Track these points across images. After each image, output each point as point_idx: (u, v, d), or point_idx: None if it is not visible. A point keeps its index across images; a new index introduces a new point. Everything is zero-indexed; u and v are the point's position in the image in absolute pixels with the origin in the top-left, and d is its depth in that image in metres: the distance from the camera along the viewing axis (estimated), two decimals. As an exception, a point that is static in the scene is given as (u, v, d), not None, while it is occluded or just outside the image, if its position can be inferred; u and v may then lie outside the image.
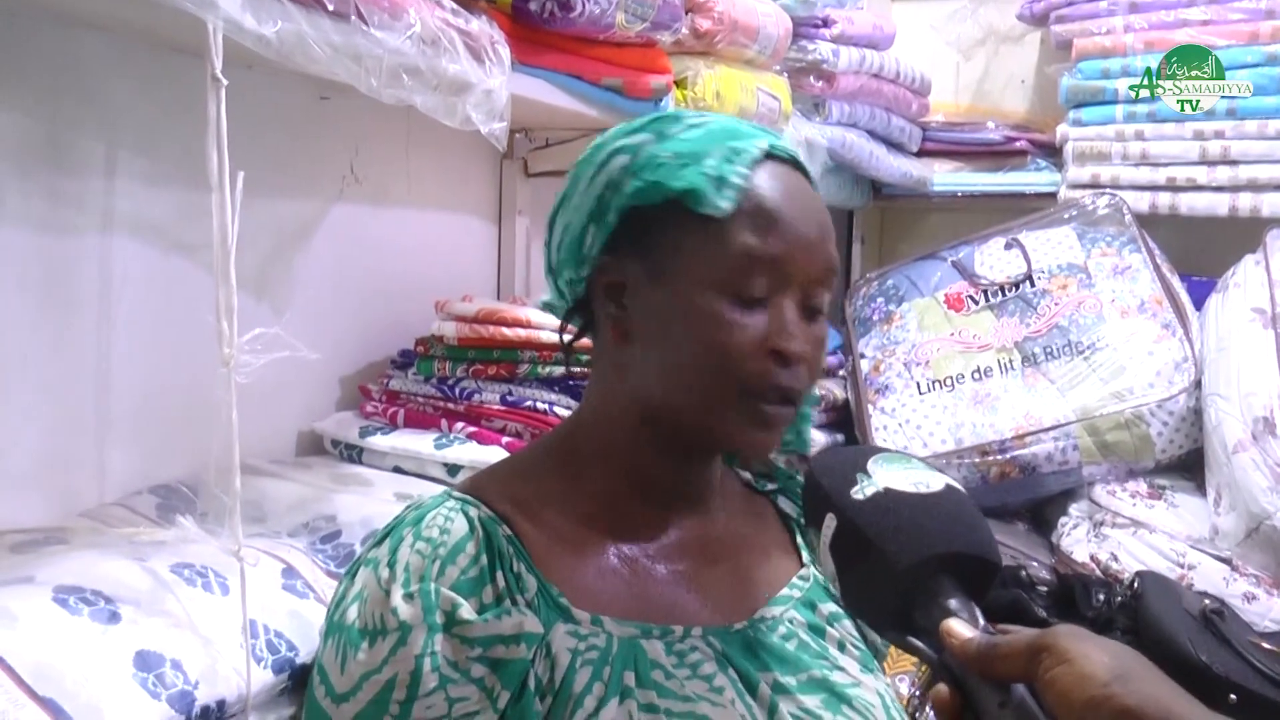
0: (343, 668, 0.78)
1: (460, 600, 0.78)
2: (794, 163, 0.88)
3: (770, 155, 0.85)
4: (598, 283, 0.88)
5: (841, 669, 0.87)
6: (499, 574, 0.81)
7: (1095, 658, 0.58)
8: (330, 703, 0.79)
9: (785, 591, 0.91)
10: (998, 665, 0.61)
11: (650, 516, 0.90)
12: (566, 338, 0.96)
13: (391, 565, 0.80)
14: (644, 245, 0.85)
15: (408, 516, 0.85)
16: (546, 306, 0.97)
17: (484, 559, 0.81)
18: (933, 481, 0.72)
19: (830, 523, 0.71)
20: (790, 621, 0.89)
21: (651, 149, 0.85)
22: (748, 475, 1.02)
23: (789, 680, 0.84)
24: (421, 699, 0.76)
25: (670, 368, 0.84)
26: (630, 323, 0.86)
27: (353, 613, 0.80)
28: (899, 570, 0.67)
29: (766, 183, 0.84)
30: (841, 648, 0.90)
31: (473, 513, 0.83)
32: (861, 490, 0.71)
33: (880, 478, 0.71)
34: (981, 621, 0.65)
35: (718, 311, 0.81)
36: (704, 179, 0.82)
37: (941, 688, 0.65)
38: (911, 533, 0.68)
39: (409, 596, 0.78)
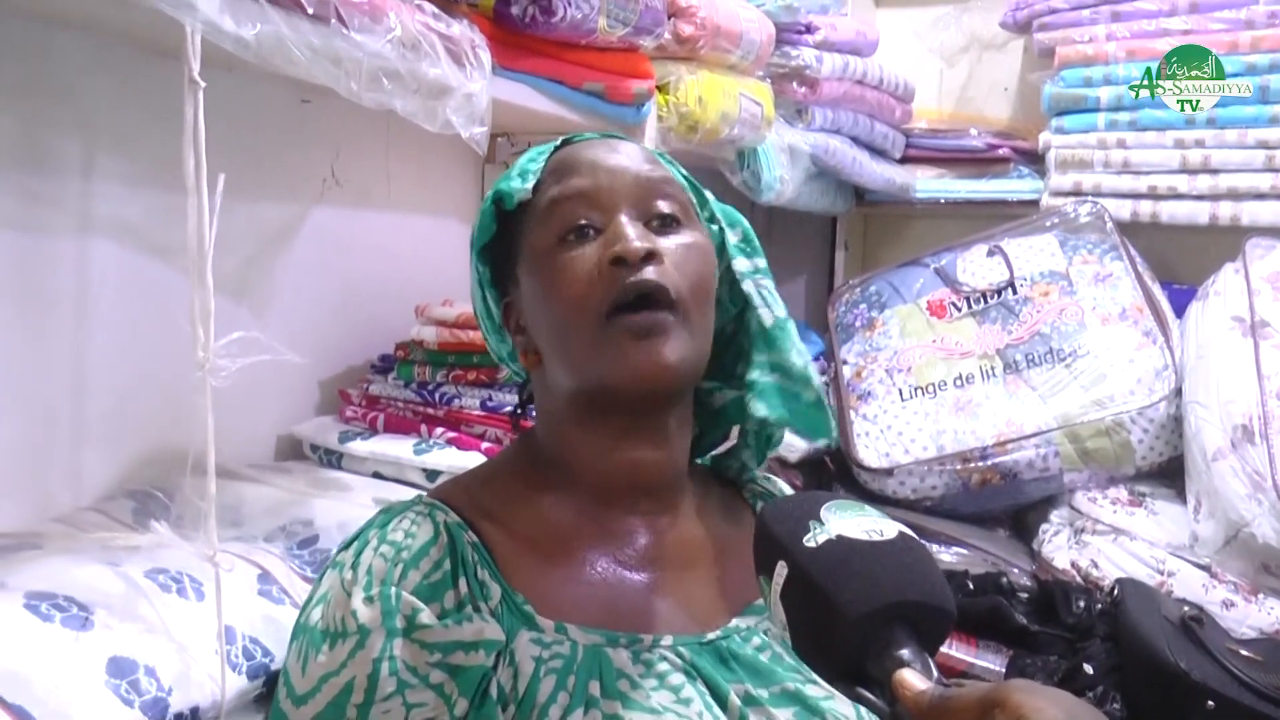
0: (304, 669, 0.78)
1: (420, 605, 0.77)
2: (604, 136, 0.93)
3: (573, 141, 0.92)
4: (512, 330, 0.93)
5: (815, 682, 0.85)
6: (462, 580, 0.80)
7: (1048, 713, 0.57)
8: (290, 704, 0.78)
9: (760, 601, 0.90)
10: (950, 719, 0.61)
11: (619, 522, 0.89)
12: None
13: (355, 568, 0.80)
14: (506, 268, 0.91)
15: (376, 519, 0.85)
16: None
17: (447, 564, 0.80)
18: (886, 529, 0.70)
19: (781, 570, 0.69)
20: (765, 632, 0.88)
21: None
22: (729, 477, 1.01)
23: (761, 692, 0.83)
24: (378, 703, 0.75)
25: (553, 340, 0.87)
26: (529, 338, 0.90)
27: (316, 614, 0.80)
28: (851, 619, 0.65)
29: (562, 151, 0.91)
30: None
31: (440, 518, 0.83)
32: (814, 538, 0.69)
33: (833, 525, 0.69)
34: (935, 673, 0.64)
35: (552, 260, 0.85)
36: (506, 180, 0.89)
37: None
38: (864, 581, 0.66)
39: (369, 599, 0.77)
